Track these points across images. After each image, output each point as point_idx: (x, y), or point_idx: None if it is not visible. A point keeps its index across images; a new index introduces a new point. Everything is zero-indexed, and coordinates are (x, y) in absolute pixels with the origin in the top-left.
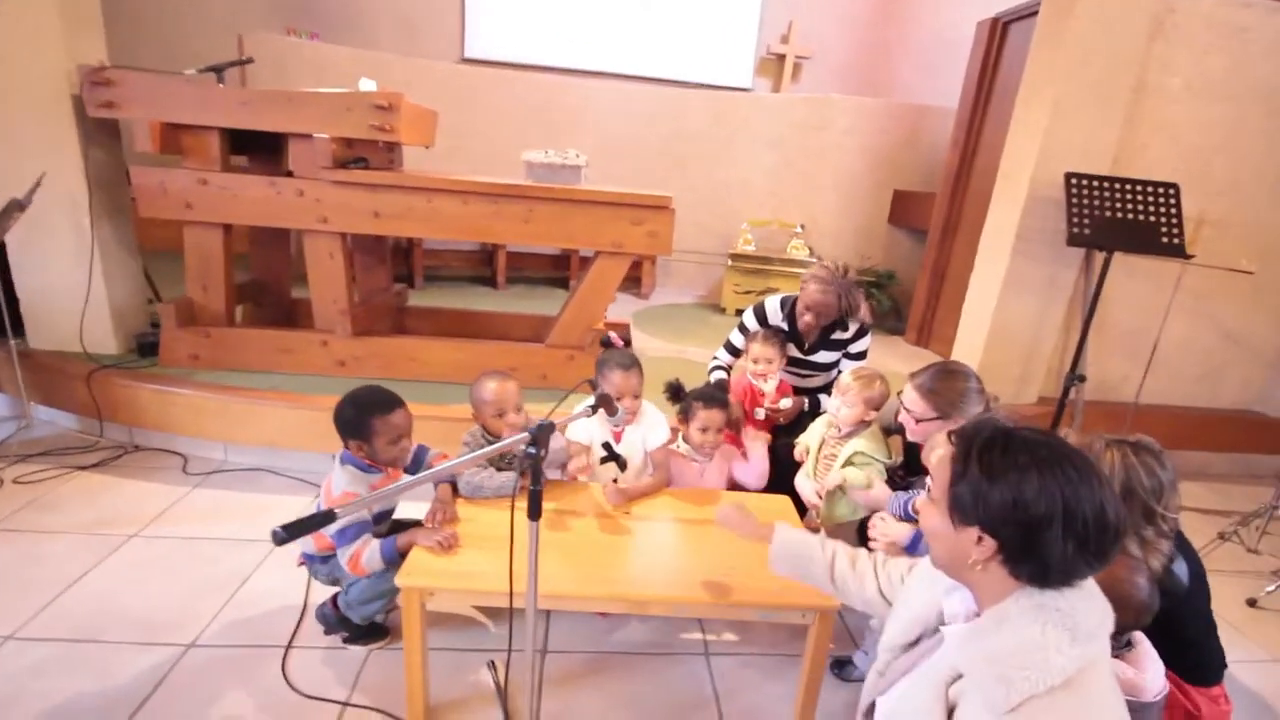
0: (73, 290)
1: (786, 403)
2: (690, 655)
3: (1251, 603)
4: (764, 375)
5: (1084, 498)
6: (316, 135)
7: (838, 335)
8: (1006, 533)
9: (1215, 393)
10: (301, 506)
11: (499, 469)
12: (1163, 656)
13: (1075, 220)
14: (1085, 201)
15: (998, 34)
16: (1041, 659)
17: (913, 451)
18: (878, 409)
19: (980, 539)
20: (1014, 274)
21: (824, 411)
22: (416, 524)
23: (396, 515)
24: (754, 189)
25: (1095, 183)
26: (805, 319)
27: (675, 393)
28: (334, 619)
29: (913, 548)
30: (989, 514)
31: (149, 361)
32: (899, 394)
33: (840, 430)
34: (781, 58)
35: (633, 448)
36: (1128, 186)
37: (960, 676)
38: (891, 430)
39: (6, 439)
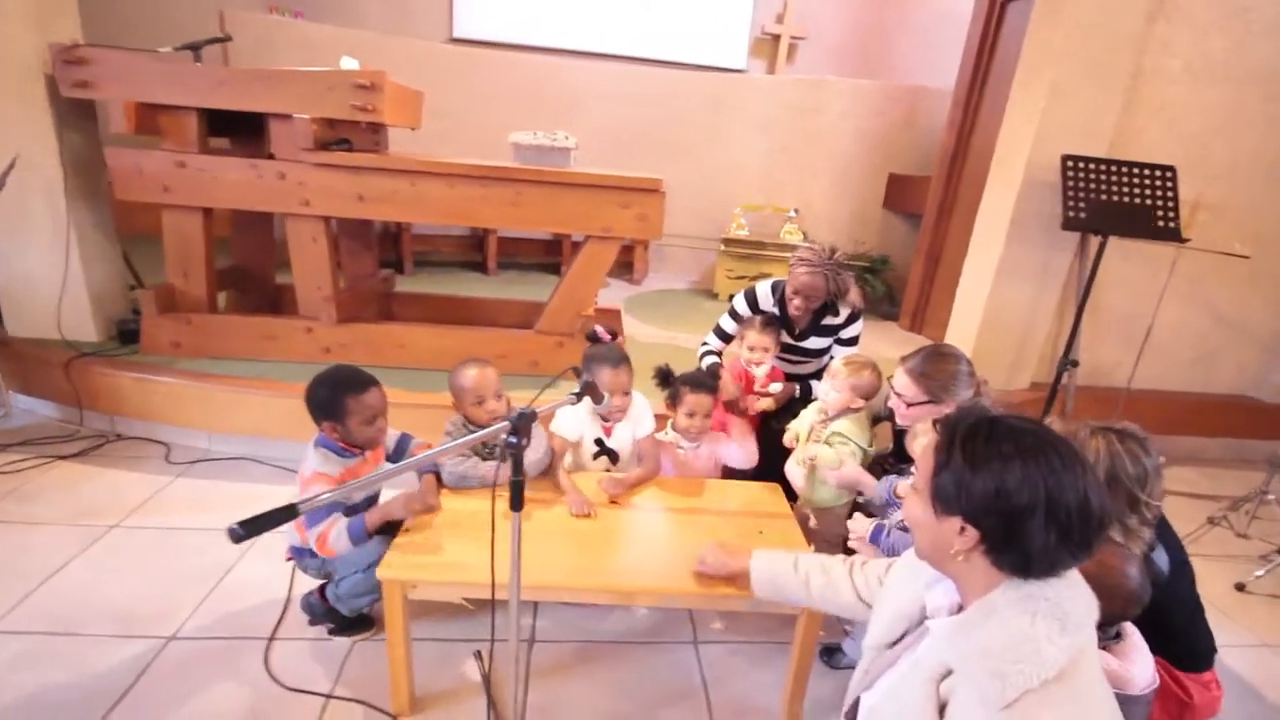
0: (50, 276)
1: (776, 387)
2: (679, 644)
3: (1240, 587)
4: (758, 362)
5: (1067, 487)
6: (297, 116)
7: (829, 320)
8: (988, 523)
9: (1209, 378)
10: (286, 496)
11: (484, 458)
12: (1150, 645)
13: (1071, 204)
14: (1081, 184)
15: (995, 13)
16: (1034, 650)
17: (903, 438)
18: (866, 398)
19: (963, 529)
20: (1008, 259)
21: (815, 398)
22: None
23: None
24: (747, 172)
25: (1092, 165)
26: (795, 303)
27: (664, 378)
28: (320, 609)
29: (874, 538)
30: (971, 504)
31: (130, 349)
32: (889, 379)
33: (827, 414)
34: (776, 38)
35: (623, 441)
36: (1124, 169)
37: (950, 672)
38: (881, 417)
39: None
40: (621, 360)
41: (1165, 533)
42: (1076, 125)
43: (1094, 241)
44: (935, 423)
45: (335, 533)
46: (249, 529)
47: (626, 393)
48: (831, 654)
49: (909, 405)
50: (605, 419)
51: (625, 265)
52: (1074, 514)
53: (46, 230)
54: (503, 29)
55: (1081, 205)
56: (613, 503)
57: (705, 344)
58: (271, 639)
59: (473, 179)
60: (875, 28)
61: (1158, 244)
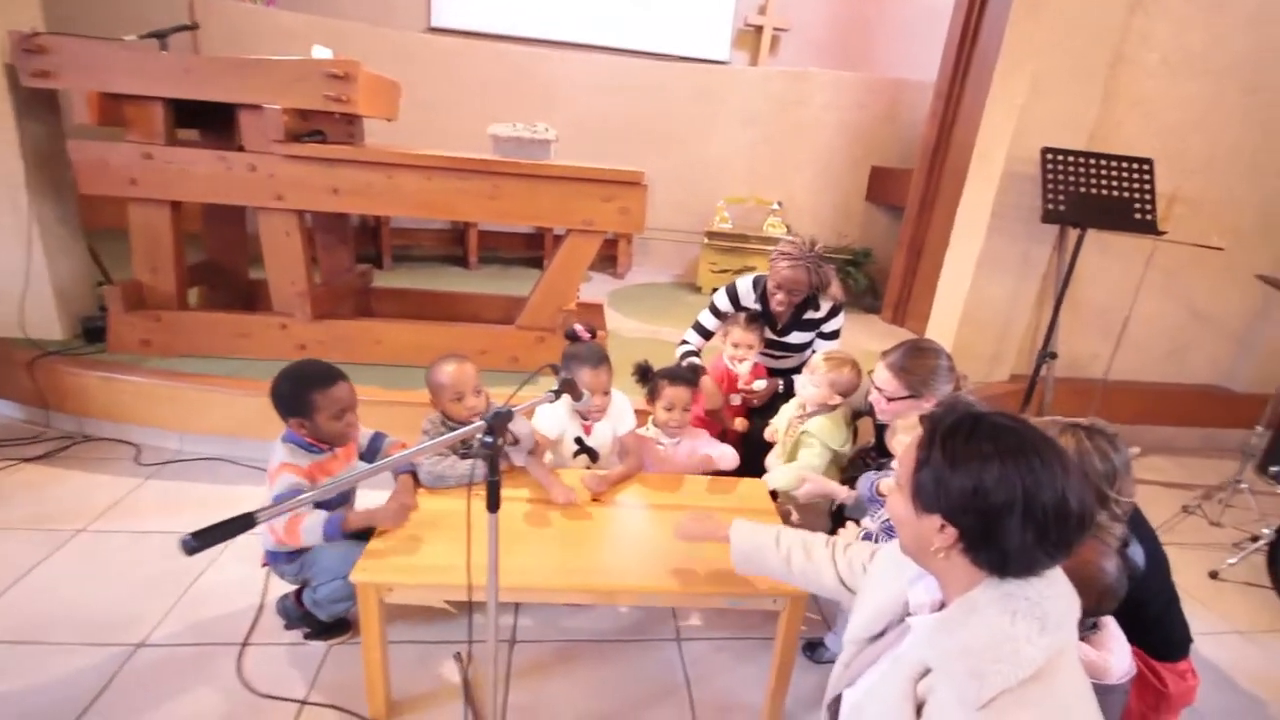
0: (11, 272)
1: (760, 384)
2: (662, 641)
3: (1213, 575)
4: (742, 359)
5: (1045, 486)
6: (268, 106)
7: (810, 315)
8: (966, 521)
9: (1183, 369)
10: (261, 497)
11: (461, 457)
12: (1127, 635)
13: (1051, 196)
14: (1061, 177)
15: (976, 6)
16: (1012, 650)
17: (884, 433)
18: (845, 394)
19: (943, 527)
20: (989, 251)
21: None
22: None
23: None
24: (730, 165)
25: (1071, 158)
26: (777, 298)
27: (643, 374)
28: (296, 613)
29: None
30: (949, 502)
31: (97, 347)
32: (870, 373)
33: (805, 409)
34: (759, 30)
35: (603, 440)
36: (1103, 162)
37: (929, 671)
38: (862, 412)
39: None
40: (601, 359)
41: (1139, 526)
42: (1056, 118)
43: (1072, 234)
44: (922, 419)
45: (309, 523)
46: (203, 540)
47: (606, 392)
48: (814, 649)
49: (889, 400)
50: (585, 418)
51: (609, 259)
52: (1051, 513)
53: (7, 225)
54: (482, 19)
55: (1061, 198)
56: (595, 500)
57: (685, 341)
58: (244, 645)
59: (450, 171)
60: (857, 20)
61: (1135, 237)
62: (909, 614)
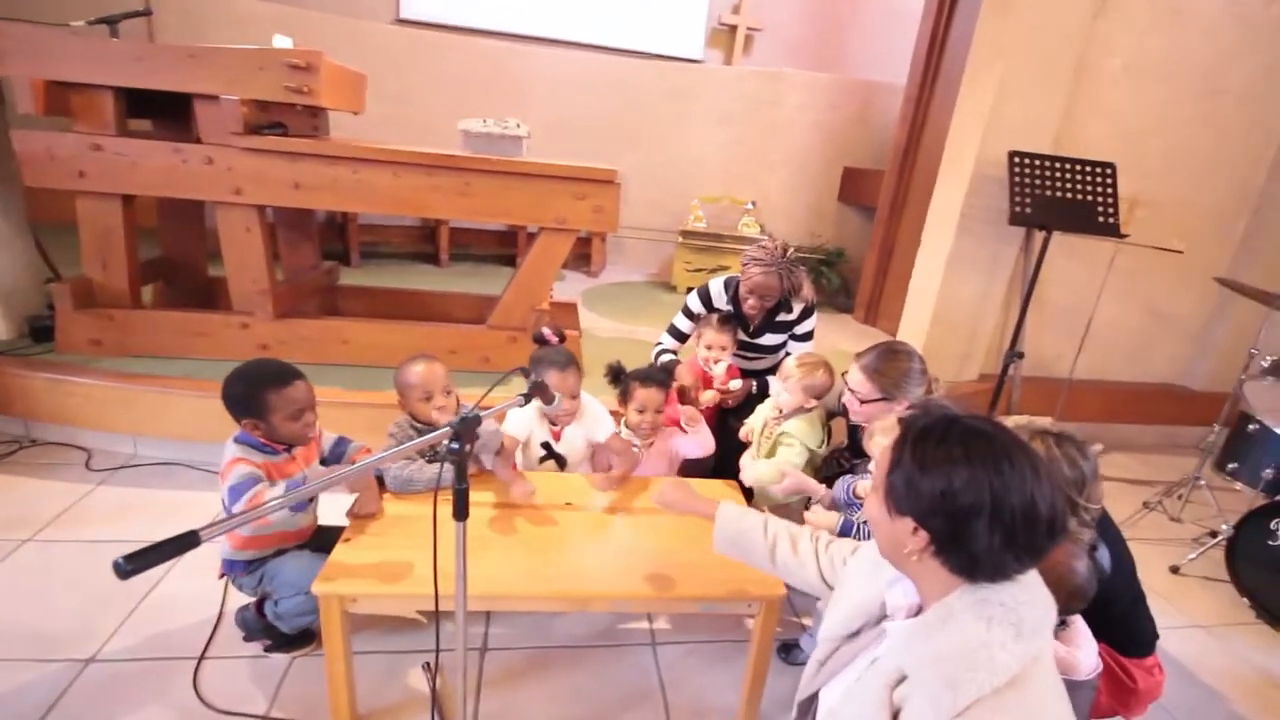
0: None
1: (736, 384)
2: (636, 646)
3: (1174, 570)
4: (716, 360)
5: (1013, 490)
6: (224, 97)
7: (783, 317)
8: (935, 524)
9: (1143, 368)
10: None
11: (430, 460)
12: (1095, 632)
13: (1017, 199)
14: (1027, 180)
15: (945, 9)
16: (987, 658)
17: (856, 434)
18: (819, 397)
19: (915, 529)
20: (958, 252)
21: (771, 393)
22: (340, 530)
23: (320, 522)
24: (705, 164)
25: (1037, 162)
26: (749, 302)
27: (615, 376)
28: (256, 625)
29: (844, 534)
30: (919, 504)
31: (44, 347)
32: (844, 374)
33: (780, 412)
34: (733, 29)
35: (572, 445)
36: (1067, 166)
37: (905, 678)
38: (835, 413)
39: None
40: (569, 362)
41: (1107, 529)
42: (1023, 121)
43: (1038, 236)
44: (900, 421)
45: (271, 494)
46: (138, 563)
47: (574, 396)
48: (789, 650)
49: (863, 402)
50: (554, 423)
51: (583, 257)
52: (1019, 517)
53: None
54: (452, 11)
55: (1027, 200)
56: (567, 505)
57: (659, 344)
58: (201, 658)
59: (419, 167)
60: (830, 21)
61: (1098, 239)
62: (885, 616)
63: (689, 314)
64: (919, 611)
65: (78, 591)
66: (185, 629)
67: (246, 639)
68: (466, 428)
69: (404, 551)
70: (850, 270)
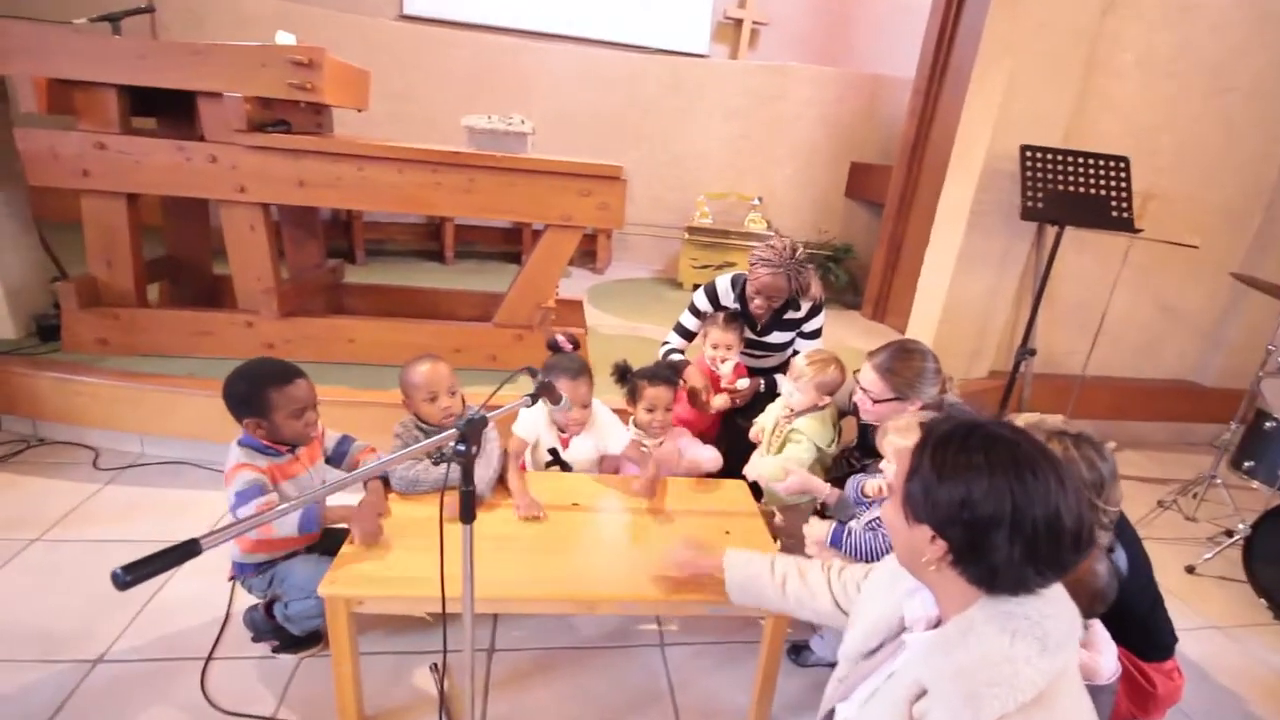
0: None
1: (744, 383)
2: (645, 647)
3: (1190, 570)
4: (723, 359)
5: (1036, 501)
6: (228, 95)
7: (791, 315)
8: (953, 533)
9: (1154, 364)
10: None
11: (435, 462)
12: (1115, 637)
13: (1029, 194)
14: (1039, 175)
15: (954, 3)
16: (1011, 673)
17: (866, 433)
18: (831, 394)
19: (933, 538)
20: (968, 248)
21: (780, 392)
22: (348, 532)
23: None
24: (711, 160)
25: (1049, 156)
26: (756, 302)
27: (622, 374)
28: (265, 626)
29: (835, 540)
30: (937, 513)
31: (51, 347)
32: (855, 373)
33: (792, 411)
34: (739, 23)
35: (581, 455)
36: (1080, 160)
37: (925, 693)
38: (846, 412)
39: None
40: (581, 370)
41: (1123, 530)
42: (1033, 116)
43: (1050, 231)
44: (922, 425)
45: (281, 533)
46: (137, 573)
47: (586, 405)
48: (799, 652)
49: (875, 402)
50: (562, 430)
51: (588, 254)
52: (1041, 529)
53: None
54: (456, 7)
55: (1040, 195)
56: (574, 506)
57: (667, 343)
58: (209, 659)
59: (424, 164)
60: (837, 15)
61: (1111, 234)
62: (904, 629)
63: (696, 312)
64: (938, 624)
65: (85, 591)
66: (192, 630)
67: (255, 639)
68: (473, 430)
69: (410, 552)
70: (858, 266)
